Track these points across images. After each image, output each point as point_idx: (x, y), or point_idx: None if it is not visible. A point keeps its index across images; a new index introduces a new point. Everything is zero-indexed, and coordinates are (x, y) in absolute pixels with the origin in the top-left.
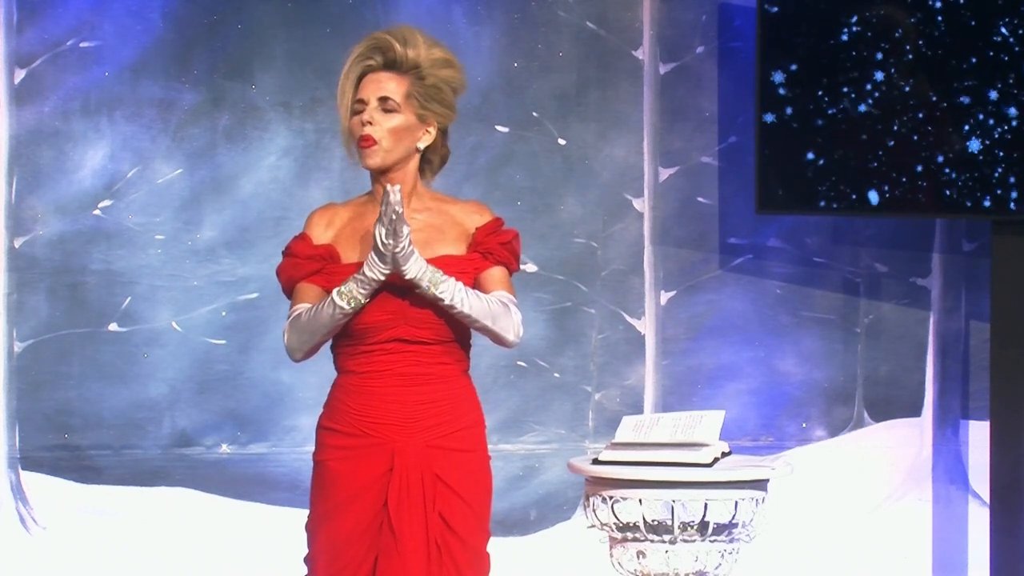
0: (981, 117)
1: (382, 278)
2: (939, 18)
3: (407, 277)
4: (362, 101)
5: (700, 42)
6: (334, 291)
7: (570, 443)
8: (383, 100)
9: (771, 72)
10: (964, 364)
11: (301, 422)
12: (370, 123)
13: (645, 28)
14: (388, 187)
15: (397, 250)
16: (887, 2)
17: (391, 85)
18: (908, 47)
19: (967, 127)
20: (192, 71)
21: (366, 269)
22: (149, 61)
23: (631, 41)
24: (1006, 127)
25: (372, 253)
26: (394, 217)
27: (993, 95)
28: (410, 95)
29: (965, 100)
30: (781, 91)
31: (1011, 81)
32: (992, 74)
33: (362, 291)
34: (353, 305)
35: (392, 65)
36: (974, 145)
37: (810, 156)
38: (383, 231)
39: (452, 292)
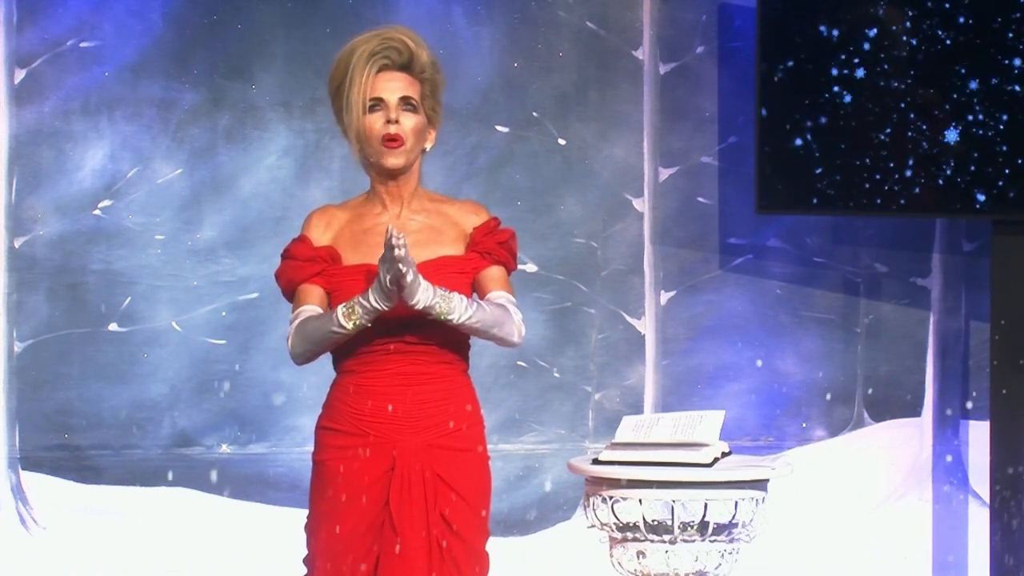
0: (981, 116)
1: (387, 308)
2: (938, 17)
3: (417, 308)
4: (380, 100)
5: (700, 42)
6: (339, 309)
7: (570, 443)
8: (405, 100)
9: (771, 72)
10: (964, 364)
11: (301, 422)
12: (396, 122)
13: (645, 28)
14: (393, 239)
15: (403, 294)
16: (886, 1)
17: (409, 86)
18: (908, 46)
19: (967, 126)
20: (192, 71)
21: (372, 299)
22: (149, 61)
23: (631, 41)
24: (1006, 127)
25: (377, 286)
26: (399, 275)
27: (993, 94)
28: (423, 96)
29: (965, 99)
30: (781, 91)
31: (1011, 80)
32: (992, 73)
33: (366, 316)
34: (356, 328)
35: (406, 66)
36: (974, 144)
37: (810, 156)
38: (387, 278)
39: (460, 311)
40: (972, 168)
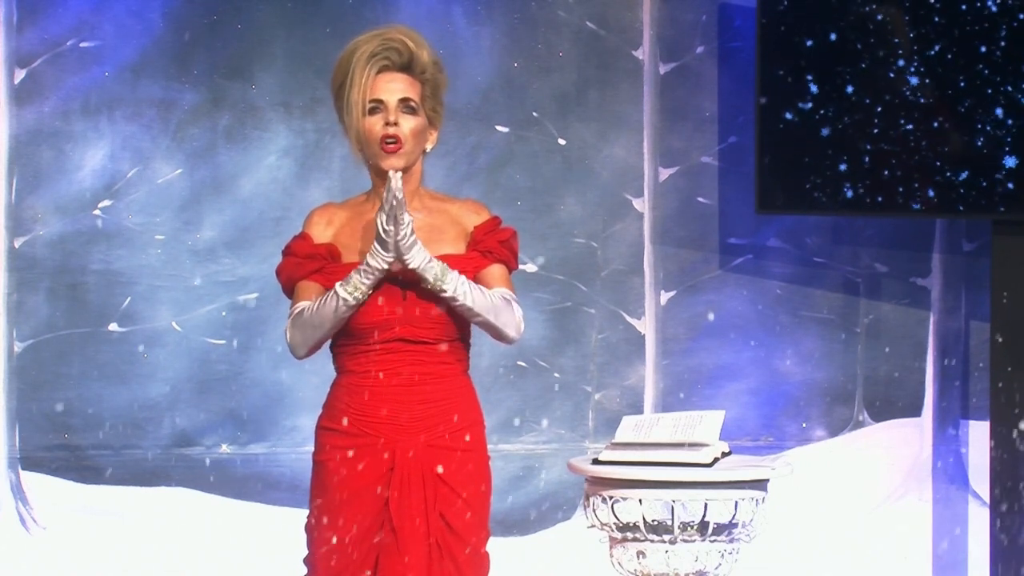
0: (981, 117)
1: (385, 267)
2: (939, 18)
3: (411, 267)
4: (380, 101)
5: (700, 42)
6: (337, 285)
7: (570, 443)
8: (405, 101)
9: (771, 71)
10: (964, 364)
11: (301, 422)
12: (395, 124)
13: (645, 28)
14: (390, 173)
15: (399, 237)
16: (887, 2)
17: (409, 87)
18: (908, 47)
19: (967, 127)
20: (192, 71)
21: (369, 258)
22: (149, 61)
23: (631, 41)
24: (1006, 127)
25: (375, 242)
26: (394, 203)
27: (994, 95)
28: (424, 97)
29: (965, 100)
30: (781, 91)
31: (1012, 81)
32: (993, 74)
33: (365, 281)
34: (357, 296)
35: (407, 67)
36: (974, 145)
37: (810, 156)
38: (384, 217)
39: (455, 284)
40: (973, 168)
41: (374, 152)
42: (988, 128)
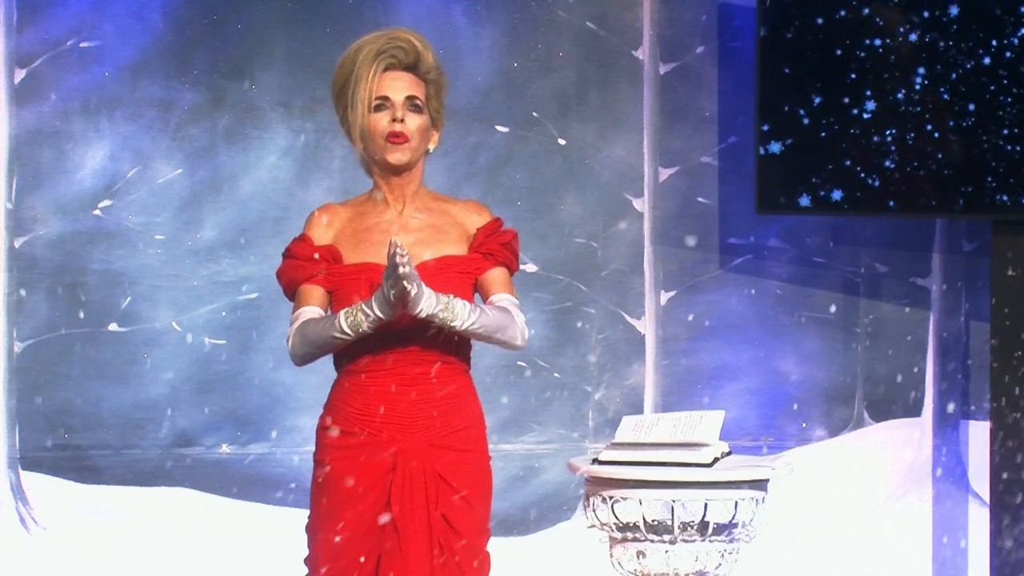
0: (982, 117)
1: (390, 319)
2: (940, 17)
3: (420, 317)
4: (386, 98)
5: (700, 42)
6: (341, 316)
7: (570, 443)
8: (411, 99)
9: (771, 71)
10: (964, 364)
11: (301, 422)
12: (402, 121)
13: (645, 28)
14: (397, 258)
15: (407, 306)
16: (888, 2)
17: (415, 86)
18: (909, 47)
19: (968, 127)
20: (192, 71)
21: (375, 309)
22: (149, 61)
23: (631, 41)
24: (1006, 127)
25: (381, 298)
26: (403, 291)
27: (994, 96)
28: (428, 97)
29: (966, 100)
30: (780, 90)
31: (1012, 81)
32: (993, 75)
33: (368, 324)
34: (358, 335)
35: (412, 66)
36: (974, 145)
37: (810, 156)
38: (391, 293)
39: (463, 318)
40: (973, 168)
41: (378, 147)
42: (988, 128)
